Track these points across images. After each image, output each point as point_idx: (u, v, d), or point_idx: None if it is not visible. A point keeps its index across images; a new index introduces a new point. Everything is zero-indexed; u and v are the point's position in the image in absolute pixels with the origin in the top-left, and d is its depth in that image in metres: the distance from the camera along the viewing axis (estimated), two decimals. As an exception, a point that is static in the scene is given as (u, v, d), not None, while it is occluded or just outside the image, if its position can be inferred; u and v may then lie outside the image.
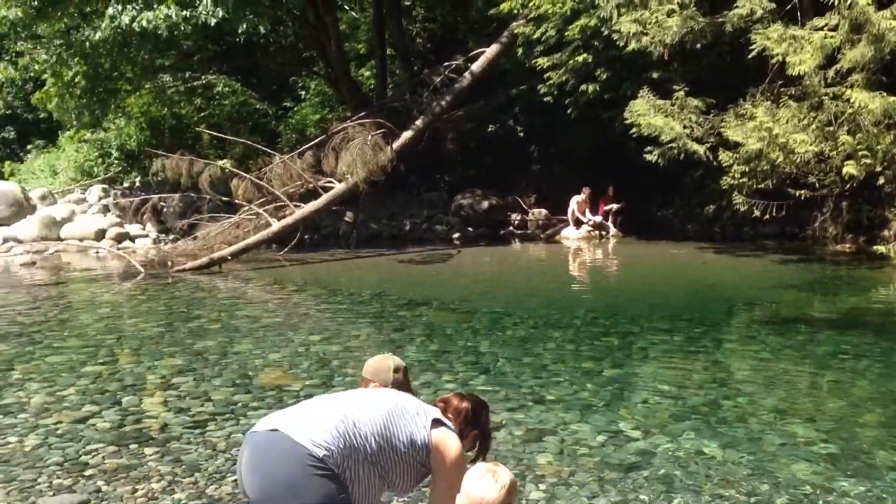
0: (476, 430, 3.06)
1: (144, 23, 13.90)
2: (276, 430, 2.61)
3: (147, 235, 18.26)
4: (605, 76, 14.43)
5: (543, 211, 18.74)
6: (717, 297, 10.71)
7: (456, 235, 17.74)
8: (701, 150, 12.16)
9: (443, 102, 16.47)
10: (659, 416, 5.43)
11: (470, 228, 18.20)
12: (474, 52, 17.22)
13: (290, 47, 22.26)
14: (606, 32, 13.43)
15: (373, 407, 2.78)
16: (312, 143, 16.11)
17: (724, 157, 11.93)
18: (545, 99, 15.69)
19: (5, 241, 17.46)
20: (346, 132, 14.91)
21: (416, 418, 2.82)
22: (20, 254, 16.31)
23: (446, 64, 17.79)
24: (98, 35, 15.30)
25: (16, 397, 6.04)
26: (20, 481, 4.40)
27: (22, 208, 18.86)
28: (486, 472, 2.54)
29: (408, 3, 21.61)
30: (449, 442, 2.83)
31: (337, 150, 14.74)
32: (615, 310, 9.61)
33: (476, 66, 16.63)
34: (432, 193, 19.61)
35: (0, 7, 14.94)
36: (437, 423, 2.87)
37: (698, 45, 12.45)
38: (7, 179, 23.82)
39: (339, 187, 14.84)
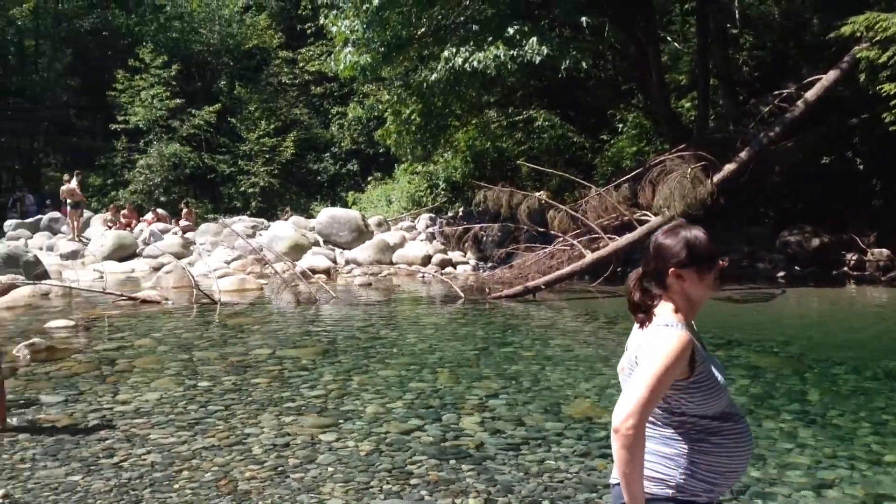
0: (676, 265, 2.45)
1: (475, 63, 14.79)
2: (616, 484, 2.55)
3: (467, 262, 19.33)
4: (968, 101, 12.71)
5: (885, 251, 16.86)
6: None
7: (781, 274, 16.56)
8: None
9: (771, 133, 15.53)
10: None
11: (797, 267, 16.89)
12: (808, 80, 16.05)
13: (609, 80, 22.42)
14: (972, 52, 11.86)
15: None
16: (629, 175, 16.01)
17: None
18: (892, 128, 14.17)
19: (347, 262, 19.47)
20: (664, 165, 14.63)
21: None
22: (358, 275, 18.08)
23: (776, 93, 16.78)
24: (434, 76, 16.59)
25: (354, 405, 6.68)
26: (356, 482, 4.86)
27: (362, 234, 20.91)
28: None
29: (734, 32, 20.76)
30: (647, 345, 2.39)
31: (654, 183, 14.50)
32: (975, 367, 8.36)
33: (811, 94, 15.46)
34: (754, 228, 18.51)
35: (353, 54, 16.76)
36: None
37: None
38: (350, 207, 26.53)
39: (654, 221, 14.56)
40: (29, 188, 31.05)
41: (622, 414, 2.28)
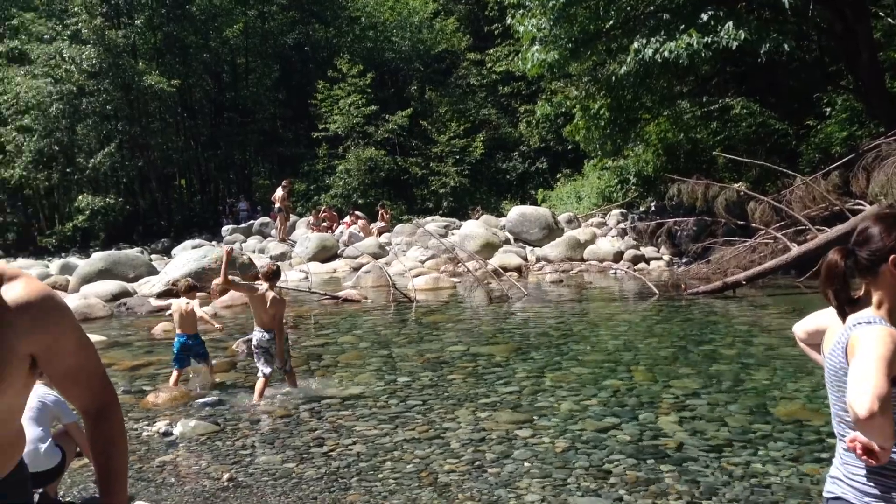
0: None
1: (666, 53, 14.33)
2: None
3: (661, 258, 18.77)
4: None
5: None
6: None
7: None
8: None
9: None
10: None
11: None
12: None
13: (813, 62, 20.99)
14: None
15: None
16: (839, 162, 14.93)
17: None
18: None
19: (538, 260, 19.48)
20: (880, 149, 13.51)
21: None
22: (549, 272, 18.05)
23: None
24: (623, 69, 16.25)
25: (548, 402, 6.69)
26: (553, 479, 4.86)
27: (552, 231, 20.85)
28: None
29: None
30: (855, 341, 2.19)
31: (868, 170, 13.43)
32: None
33: None
34: None
35: (540, 52, 16.77)
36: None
37: None
38: (540, 205, 26.54)
39: (869, 210, 13.49)
40: (242, 195, 33.57)
41: (860, 400, 2.05)
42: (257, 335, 7.34)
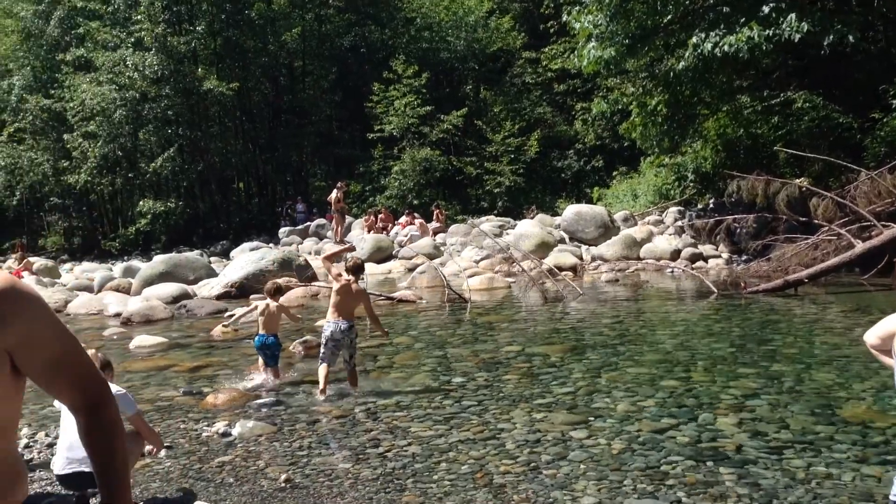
0: None
1: (726, 47, 14.08)
2: None
3: (719, 256, 18.43)
4: None
5: None
6: None
7: None
8: None
9: None
10: None
11: None
12: None
13: (879, 53, 20.37)
14: None
15: None
16: (906, 156, 14.52)
17: None
18: None
19: (593, 259, 19.30)
20: (949, 142, 13.08)
21: None
22: (605, 271, 17.87)
23: None
24: (681, 64, 16.01)
25: (604, 403, 6.62)
26: (609, 481, 4.81)
27: (608, 230, 20.64)
28: None
29: None
30: None
31: (937, 164, 13.02)
32: None
33: None
34: None
35: (596, 49, 16.61)
36: None
37: None
38: (595, 203, 26.29)
39: (938, 205, 13.07)
40: (299, 197, 33.98)
41: None
42: (332, 326, 7.45)
